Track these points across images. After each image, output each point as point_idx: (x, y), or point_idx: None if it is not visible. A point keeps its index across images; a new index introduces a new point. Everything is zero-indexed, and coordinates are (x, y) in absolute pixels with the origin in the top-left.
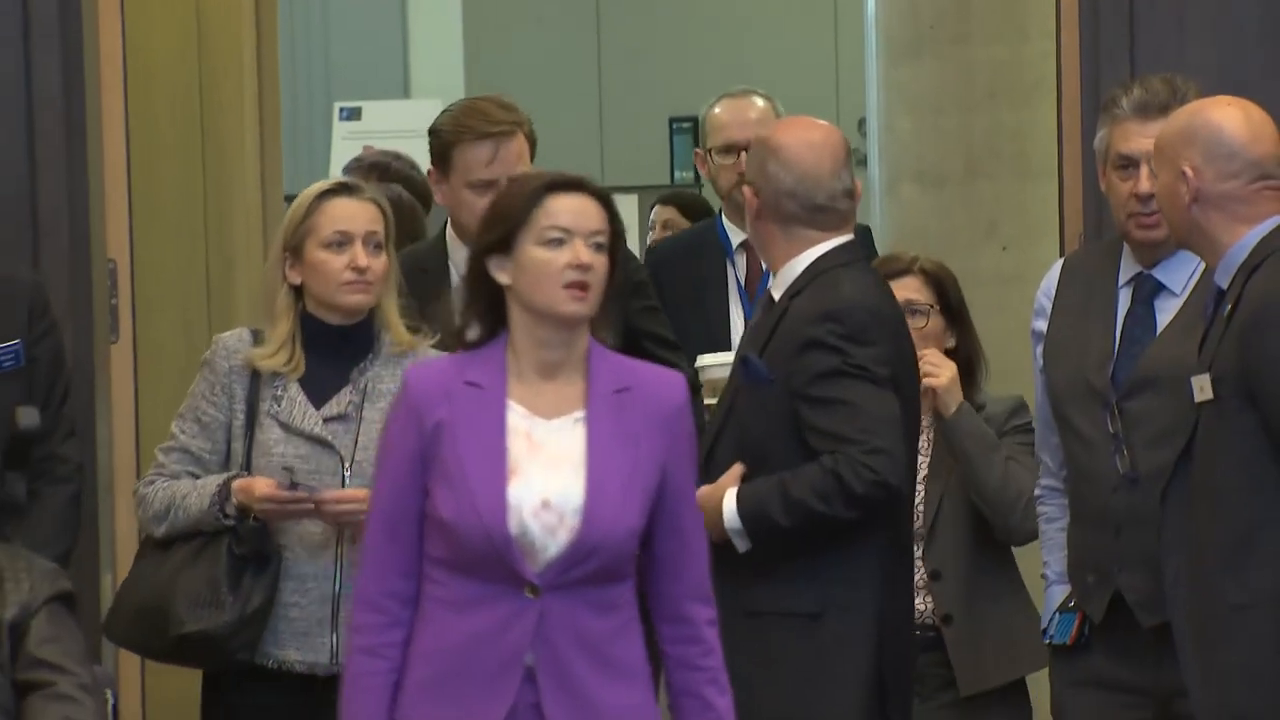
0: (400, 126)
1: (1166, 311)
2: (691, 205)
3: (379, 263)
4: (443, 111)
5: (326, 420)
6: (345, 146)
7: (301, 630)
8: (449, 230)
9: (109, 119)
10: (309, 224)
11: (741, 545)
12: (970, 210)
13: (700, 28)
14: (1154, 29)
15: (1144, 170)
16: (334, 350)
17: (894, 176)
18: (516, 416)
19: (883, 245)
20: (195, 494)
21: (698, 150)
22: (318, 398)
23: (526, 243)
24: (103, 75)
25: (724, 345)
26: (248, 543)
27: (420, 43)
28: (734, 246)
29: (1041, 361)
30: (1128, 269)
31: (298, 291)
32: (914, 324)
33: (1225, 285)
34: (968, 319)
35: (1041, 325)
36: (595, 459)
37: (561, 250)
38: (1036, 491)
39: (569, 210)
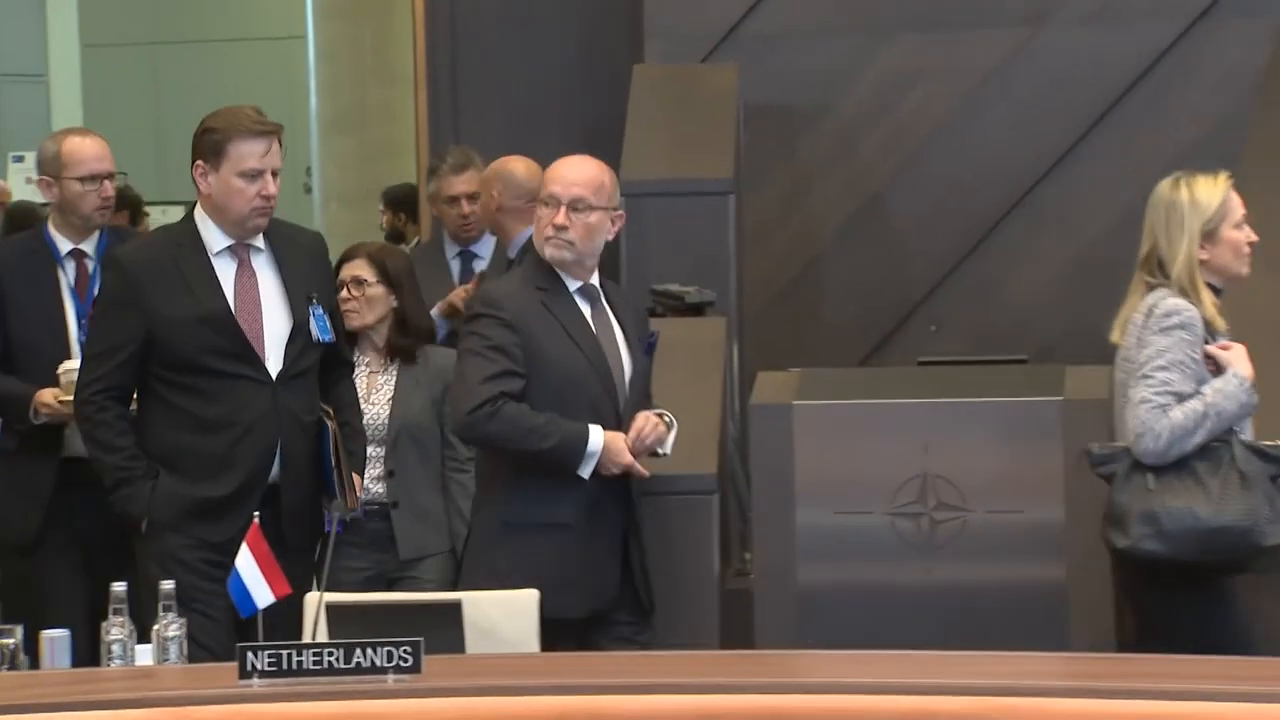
0: None
1: (479, 268)
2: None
3: None
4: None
5: None
6: (18, 176)
7: None
8: (198, 212)
9: None
10: (1224, 209)
11: None
12: (370, 220)
13: (220, 88)
14: (472, 122)
15: (464, 203)
16: None
17: (326, 200)
18: None
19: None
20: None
21: (45, 177)
22: None
23: None
24: None
25: (62, 338)
26: None
27: (58, 112)
28: (63, 254)
29: None
30: (451, 250)
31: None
32: (362, 291)
33: (513, 256)
34: (407, 286)
35: None
36: None
37: None
38: None
39: None
